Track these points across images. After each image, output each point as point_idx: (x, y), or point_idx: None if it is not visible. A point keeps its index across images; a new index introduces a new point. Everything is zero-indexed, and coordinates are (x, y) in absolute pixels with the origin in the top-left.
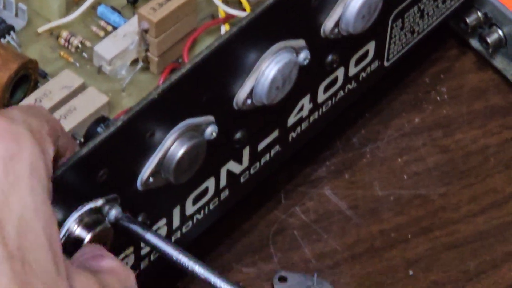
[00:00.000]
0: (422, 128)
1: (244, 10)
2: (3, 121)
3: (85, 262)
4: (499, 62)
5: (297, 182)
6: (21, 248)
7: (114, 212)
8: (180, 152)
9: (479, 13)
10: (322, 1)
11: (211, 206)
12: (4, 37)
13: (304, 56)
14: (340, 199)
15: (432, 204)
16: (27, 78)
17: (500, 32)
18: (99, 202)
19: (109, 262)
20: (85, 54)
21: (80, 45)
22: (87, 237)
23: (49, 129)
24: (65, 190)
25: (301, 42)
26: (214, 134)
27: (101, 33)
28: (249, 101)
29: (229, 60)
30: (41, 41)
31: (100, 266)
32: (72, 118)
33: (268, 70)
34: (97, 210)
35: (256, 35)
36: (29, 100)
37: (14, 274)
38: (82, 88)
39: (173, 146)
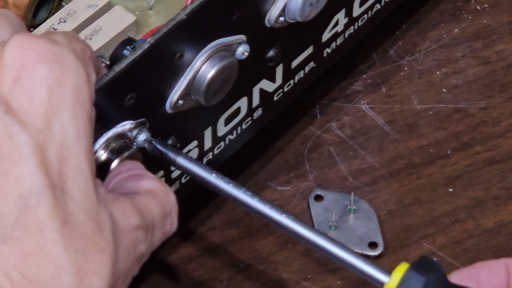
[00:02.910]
0: (461, 39)
1: None
2: (47, 43)
3: (122, 182)
4: None
5: (332, 96)
6: (62, 176)
7: (142, 136)
8: (211, 73)
9: None
10: None
11: (244, 126)
12: None
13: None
14: (377, 114)
15: (473, 118)
16: None
17: None
18: (127, 126)
19: (147, 183)
20: None
21: None
22: (115, 162)
23: (91, 54)
24: None
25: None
26: (246, 54)
27: None
28: (281, 18)
29: None
30: None
31: (137, 187)
32: (98, 39)
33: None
34: (125, 135)
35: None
36: (53, 21)
37: (56, 202)
38: (108, 6)
39: (203, 67)
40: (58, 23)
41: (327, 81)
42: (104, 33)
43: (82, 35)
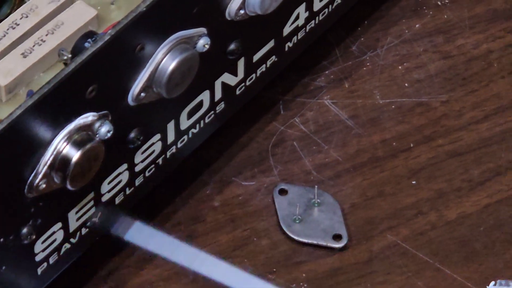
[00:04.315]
0: (422, 34)
1: None
2: None
3: None
4: None
5: (295, 92)
6: None
7: (105, 129)
8: (172, 65)
9: None
10: None
11: (207, 120)
12: None
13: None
14: (340, 109)
15: (435, 112)
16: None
17: None
18: (89, 118)
19: None
20: None
21: None
22: (76, 155)
23: None
24: (54, 108)
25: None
26: (207, 46)
27: None
28: (242, 11)
29: None
30: None
31: None
32: (60, 33)
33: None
34: (88, 127)
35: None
36: (15, 16)
37: None
38: (70, 1)
39: (164, 59)
40: (21, 18)
41: (290, 77)
42: (66, 28)
43: (44, 29)
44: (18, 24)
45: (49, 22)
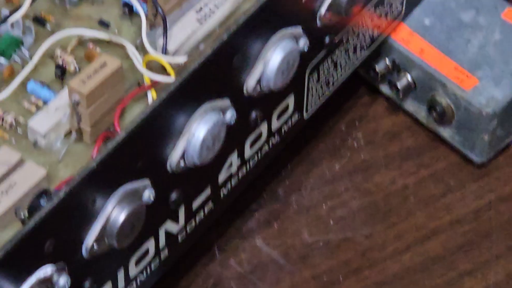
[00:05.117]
0: (342, 174)
1: (169, 75)
2: None
3: None
4: (409, 105)
5: (229, 235)
6: None
7: (62, 280)
8: (121, 217)
9: (387, 61)
10: (243, 60)
11: (153, 267)
12: None
13: (230, 115)
14: (272, 249)
15: (360, 246)
16: None
17: (409, 77)
18: (48, 271)
19: None
20: (19, 130)
21: (14, 122)
22: None
23: None
24: (14, 264)
25: (226, 102)
26: (152, 197)
27: (33, 108)
28: (182, 163)
29: (160, 125)
30: None
31: None
32: (13, 193)
33: (198, 132)
34: (47, 280)
35: (184, 99)
36: None
37: None
38: (20, 163)
39: (113, 212)
40: None
41: (223, 221)
42: (18, 188)
43: None
44: None
45: (2, 183)
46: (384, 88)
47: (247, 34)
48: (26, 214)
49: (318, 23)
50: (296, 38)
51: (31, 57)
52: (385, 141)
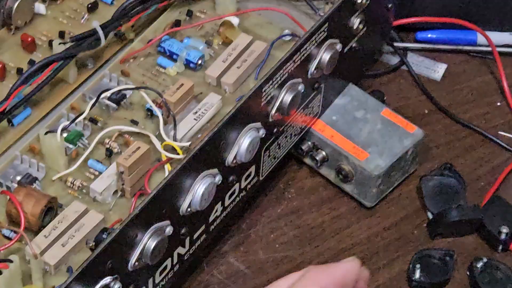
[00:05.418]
0: (283, 215)
1: (178, 154)
2: None
3: None
4: (324, 170)
5: (213, 254)
6: None
7: (116, 286)
8: (152, 245)
9: (309, 143)
10: (225, 144)
11: (169, 276)
12: (32, 184)
13: (218, 179)
14: (240, 263)
15: (296, 260)
16: (52, 208)
17: (323, 153)
18: (108, 281)
19: None
20: (84, 190)
21: (80, 185)
22: None
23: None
24: (87, 277)
25: (215, 170)
26: (171, 232)
27: (92, 177)
28: (189, 209)
29: (175, 186)
30: (56, 185)
31: None
32: (82, 231)
33: (199, 190)
34: (107, 286)
35: (189, 169)
36: (53, 223)
37: None
38: (85, 212)
39: (148, 241)
40: (58, 223)
41: (209, 245)
42: (86, 227)
43: (73, 229)
44: (56, 227)
45: (75, 225)
46: (307, 160)
47: (228, 127)
48: (93, 244)
49: (270, 119)
50: (257, 129)
51: (89, 144)
52: (309, 194)
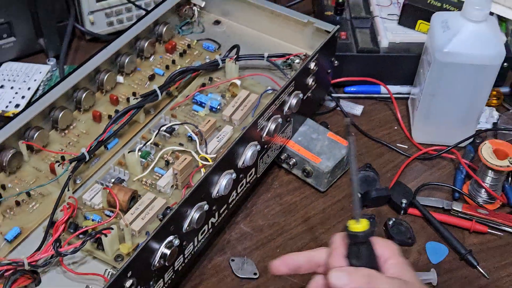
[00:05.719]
0: (271, 198)
1: (209, 161)
2: None
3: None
4: (295, 171)
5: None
6: None
7: (176, 242)
8: (197, 216)
9: (285, 154)
10: (237, 155)
11: (206, 236)
12: (121, 183)
13: (234, 175)
14: (248, 229)
15: (278, 226)
16: (134, 197)
17: (294, 160)
18: (171, 238)
19: None
20: (153, 186)
21: (151, 183)
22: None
23: None
24: (158, 235)
25: (232, 171)
26: (207, 208)
27: (157, 178)
28: (217, 194)
29: (208, 181)
30: (136, 184)
31: None
32: (154, 210)
33: (223, 182)
34: (171, 241)
35: (216, 170)
36: (136, 206)
37: None
38: (154, 199)
39: (194, 214)
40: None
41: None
42: (154, 209)
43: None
44: (138, 208)
45: (148, 207)
46: (284, 165)
47: (238, 145)
48: (161, 217)
49: (263, 140)
50: (256, 145)
51: (154, 158)
52: (286, 185)
